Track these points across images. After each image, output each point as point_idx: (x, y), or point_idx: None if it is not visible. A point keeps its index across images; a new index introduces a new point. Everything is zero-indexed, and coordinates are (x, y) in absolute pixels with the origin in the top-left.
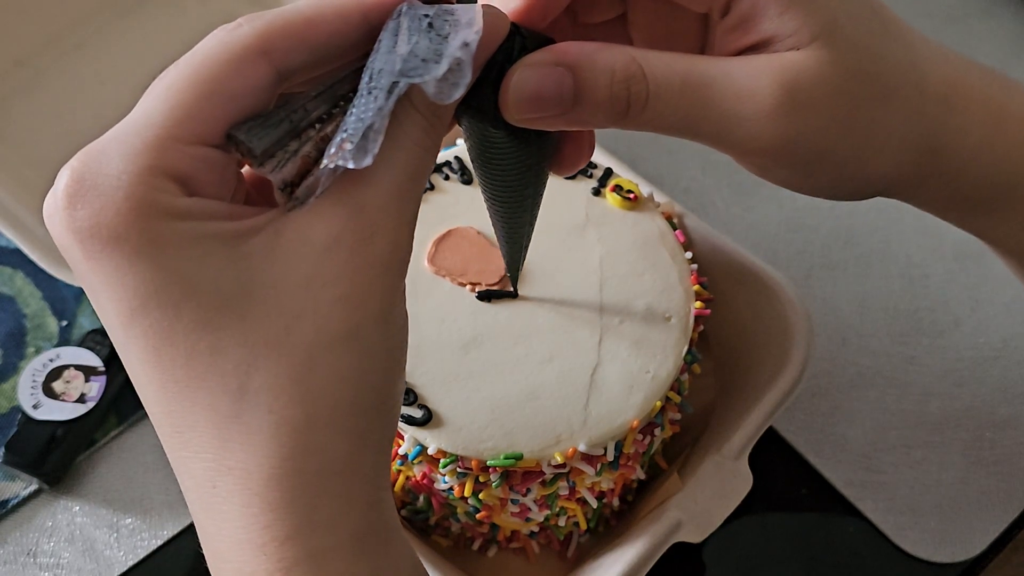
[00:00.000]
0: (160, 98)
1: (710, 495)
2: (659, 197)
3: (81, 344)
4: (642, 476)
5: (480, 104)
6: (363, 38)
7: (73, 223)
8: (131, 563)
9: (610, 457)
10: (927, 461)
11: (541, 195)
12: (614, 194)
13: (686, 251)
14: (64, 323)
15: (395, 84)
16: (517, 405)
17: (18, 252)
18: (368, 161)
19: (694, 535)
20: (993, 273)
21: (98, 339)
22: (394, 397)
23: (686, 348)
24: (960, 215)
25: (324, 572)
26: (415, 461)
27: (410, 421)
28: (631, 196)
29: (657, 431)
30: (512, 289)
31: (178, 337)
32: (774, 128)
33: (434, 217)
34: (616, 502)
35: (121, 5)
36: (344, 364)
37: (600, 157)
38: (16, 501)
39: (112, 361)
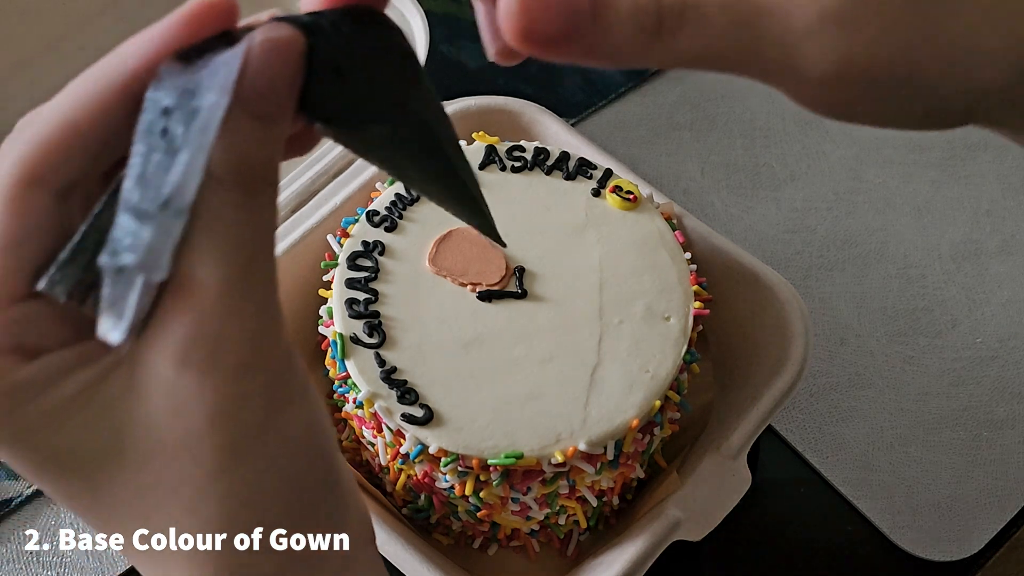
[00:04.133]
0: None
1: (709, 494)
2: (658, 198)
3: None
4: (642, 475)
5: (325, 103)
6: (132, 112)
7: None
8: None
9: (610, 456)
10: (925, 460)
11: (455, 139)
12: (614, 195)
13: (685, 252)
14: None
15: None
16: (517, 404)
17: None
18: (161, 276)
19: (693, 533)
20: (990, 273)
21: None
22: (316, 488)
23: (685, 348)
24: None
25: None
26: (416, 460)
27: (411, 420)
28: (631, 197)
29: (656, 430)
30: (501, 242)
31: (75, 496)
32: (837, 41)
33: (435, 218)
34: (616, 500)
35: (123, 8)
36: (238, 484)
37: (600, 158)
38: (20, 500)
39: None
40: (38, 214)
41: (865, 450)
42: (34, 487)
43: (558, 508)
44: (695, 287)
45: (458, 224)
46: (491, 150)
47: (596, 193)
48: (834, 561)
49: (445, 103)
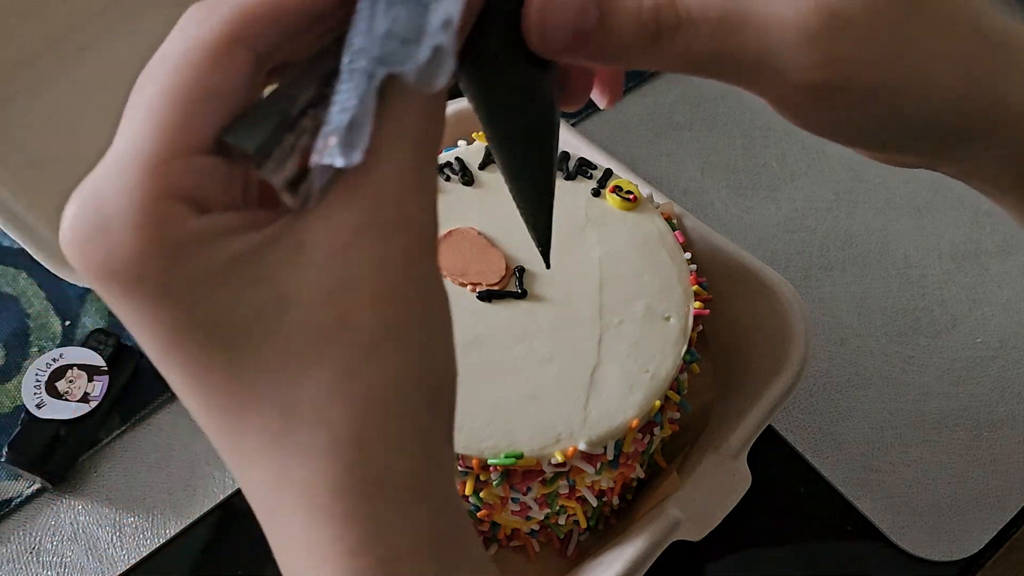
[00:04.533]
0: (144, 116)
1: (709, 494)
2: (658, 198)
3: (84, 344)
4: (642, 475)
5: (488, 50)
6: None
7: (88, 268)
8: (133, 562)
9: (610, 456)
10: (925, 460)
11: (557, 142)
12: (614, 195)
13: (685, 251)
14: (67, 323)
15: (371, 77)
16: (517, 404)
17: (22, 252)
18: (357, 157)
19: (693, 533)
20: (990, 273)
21: (101, 339)
22: (447, 388)
23: (685, 348)
24: None
25: None
26: None
27: None
28: (630, 197)
29: (656, 430)
30: (546, 263)
31: (215, 367)
32: (816, 57)
33: None
34: (616, 501)
35: (125, 7)
36: (389, 367)
37: (600, 158)
38: (19, 500)
39: (115, 360)
40: (237, 73)
41: (865, 450)
42: (35, 487)
43: (558, 508)
44: (695, 287)
45: (458, 224)
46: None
47: (596, 193)
48: (834, 561)
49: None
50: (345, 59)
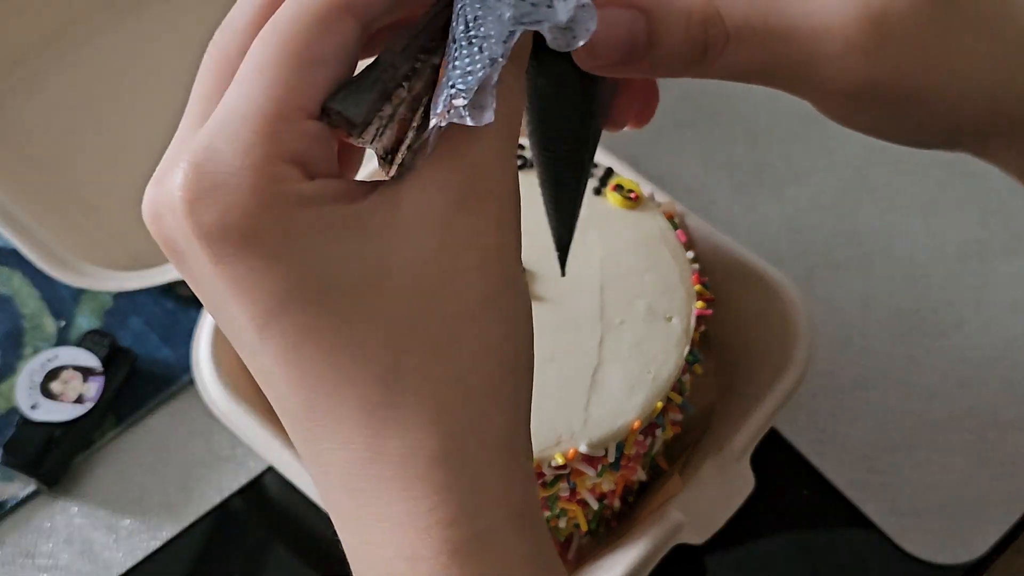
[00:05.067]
0: (256, 78)
1: (712, 496)
2: (660, 197)
3: (79, 344)
4: (643, 477)
5: (554, 60)
6: None
7: (199, 228)
8: (129, 564)
9: (611, 458)
10: (930, 462)
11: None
12: (615, 193)
13: (687, 251)
14: (62, 323)
15: (511, 33)
16: None
17: (16, 252)
18: (489, 117)
19: (695, 536)
20: (996, 273)
21: (96, 339)
22: (531, 360)
23: (687, 348)
24: None
25: (490, 551)
26: None
27: None
28: (632, 196)
29: (658, 432)
30: (561, 270)
31: (321, 332)
32: (861, 64)
33: None
34: (617, 503)
35: (120, 5)
36: (488, 333)
37: (601, 157)
38: (14, 503)
39: (110, 362)
40: (344, 40)
41: (869, 452)
42: (30, 489)
43: (558, 511)
44: (697, 287)
45: None
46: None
47: (597, 192)
48: (838, 564)
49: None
50: (459, 27)
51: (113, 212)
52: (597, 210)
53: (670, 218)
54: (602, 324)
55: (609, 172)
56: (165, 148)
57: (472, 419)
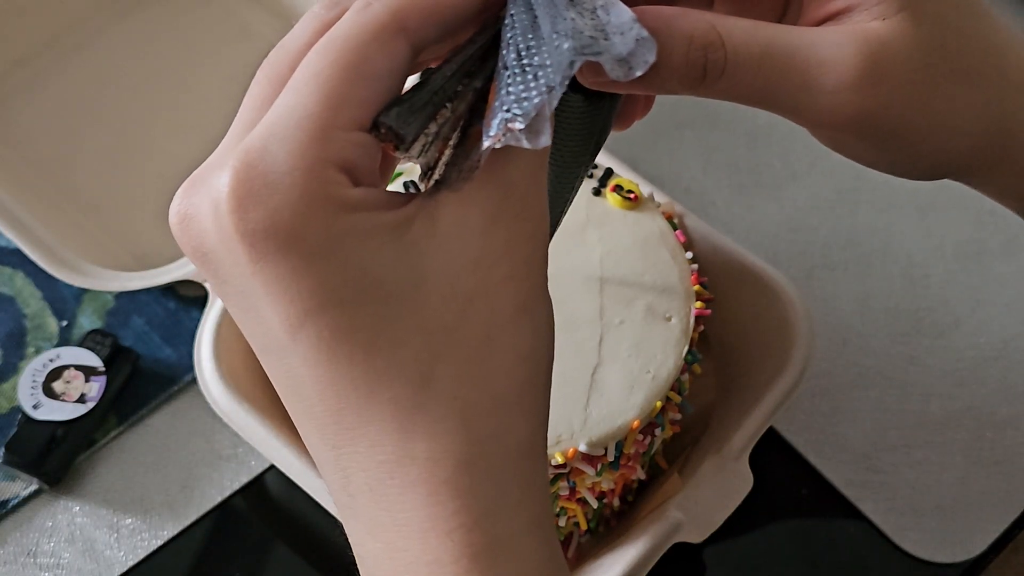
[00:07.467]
0: (310, 87)
1: (711, 495)
2: (659, 197)
3: (81, 344)
4: (643, 476)
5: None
6: (486, 5)
7: (245, 225)
8: (131, 563)
9: (611, 457)
10: (928, 461)
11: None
12: (614, 194)
13: (686, 251)
14: (64, 323)
15: (572, 63)
16: None
17: (18, 252)
18: (546, 141)
19: (694, 535)
20: (994, 273)
21: (98, 339)
22: (551, 367)
23: (686, 348)
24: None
25: (509, 557)
26: None
27: None
28: (631, 196)
29: (658, 431)
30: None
31: (357, 334)
32: (855, 100)
33: None
34: (616, 502)
35: (121, 5)
36: (520, 342)
37: (601, 157)
38: (16, 501)
39: (112, 361)
40: (398, 59)
41: (867, 451)
42: (32, 488)
43: (558, 510)
44: (696, 287)
45: None
46: None
47: (597, 192)
48: (836, 563)
49: None
50: (510, 55)
51: (114, 212)
52: (597, 210)
53: (669, 218)
54: (602, 324)
55: (609, 172)
56: (166, 148)
57: (499, 426)
